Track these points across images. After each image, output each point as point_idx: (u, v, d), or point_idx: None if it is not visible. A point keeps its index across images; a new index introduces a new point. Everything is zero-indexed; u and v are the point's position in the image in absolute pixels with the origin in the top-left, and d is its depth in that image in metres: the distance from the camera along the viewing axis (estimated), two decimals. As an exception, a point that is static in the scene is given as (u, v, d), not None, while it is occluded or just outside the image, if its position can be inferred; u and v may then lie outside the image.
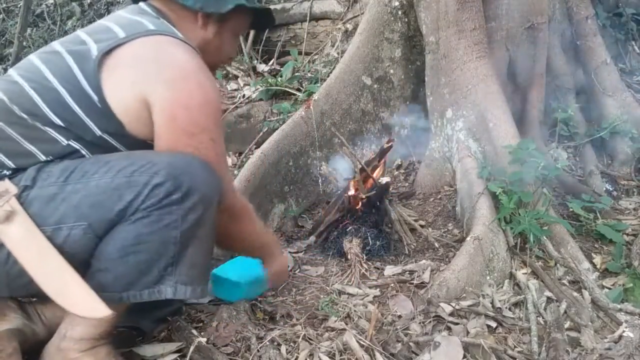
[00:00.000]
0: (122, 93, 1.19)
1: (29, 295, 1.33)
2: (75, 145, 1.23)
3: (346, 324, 1.57)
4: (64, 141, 1.22)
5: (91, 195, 1.14)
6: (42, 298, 1.43)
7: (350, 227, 2.11)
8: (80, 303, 1.11)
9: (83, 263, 1.16)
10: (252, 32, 3.92)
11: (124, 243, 1.14)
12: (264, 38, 4.01)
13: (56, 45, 1.28)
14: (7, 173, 1.19)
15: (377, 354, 1.41)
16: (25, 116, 1.20)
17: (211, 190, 1.22)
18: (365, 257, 1.99)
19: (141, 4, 1.38)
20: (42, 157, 1.21)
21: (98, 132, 1.22)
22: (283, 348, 1.42)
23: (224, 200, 1.30)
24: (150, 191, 1.13)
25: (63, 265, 1.12)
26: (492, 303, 1.73)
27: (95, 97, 1.19)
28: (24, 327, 1.28)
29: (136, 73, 1.19)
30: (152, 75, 1.19)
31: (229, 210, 1.36)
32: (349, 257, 2.00)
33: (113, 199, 1.14)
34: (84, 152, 1.25)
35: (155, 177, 1.14)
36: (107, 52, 1.19)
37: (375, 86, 2.80)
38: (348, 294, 1.78)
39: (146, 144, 1.26)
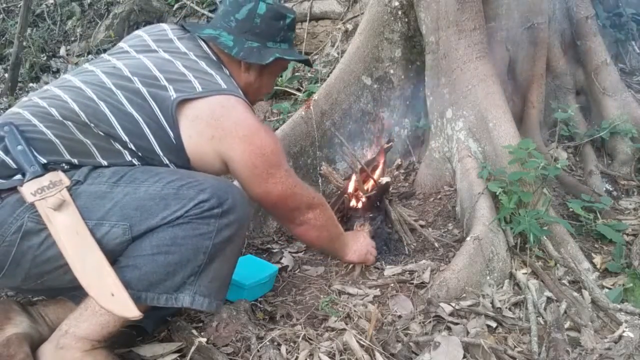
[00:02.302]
0: (200, 143, 1.34)
1: (36, 289, 1.35)
2: (137, 163, 1.33)
3: (346, 324, 1.57)
4: (128, 157, 1.32)
5: (139, 199, 1.22)
6: (44, 295, 1.45)
7: (360, 214, 2.12)
8: (113, 299, 1.15)
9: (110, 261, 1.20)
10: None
11: (159, 242, 1.21)
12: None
13: (124, 69, 1.36)
14: (66, 167, 1.26)
15: (377, 354, 1.42)
16: (100, 133, 1.28)
17: (246, 213, 1.33)
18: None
19: (200, 41, 1.51)
20: (104, 163, 1.30)
21: (165, 161, 1.36)
22: (283, 348, 1.42)
23: (301, 215, 1.56)
24: (195, 205, 1.22)
25: (102, 259, 1.17)
26: (492, 303, 1.73)
27: (171, 134, 1.32)
28: (30, 330, 1.29)
29: (215, 130, 1.34)
30: (228, 133, 1.34)
31: (307, 222, 1.59)
32: None
33: (159, 206, 1.21)
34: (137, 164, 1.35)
35: (201, 194, 1.23)
36: (185, 100, 1.31)
37: (375, 86, 2.80)
38: (348, 294, 1.79)
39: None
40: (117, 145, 1.30)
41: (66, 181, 1.21)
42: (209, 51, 1.50)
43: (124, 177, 1.25)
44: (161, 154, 1.34)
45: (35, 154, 1.22)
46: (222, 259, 1.29)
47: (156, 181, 1.24)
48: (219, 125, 1.34)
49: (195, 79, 1.36)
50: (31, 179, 1.18)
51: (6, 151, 1.21)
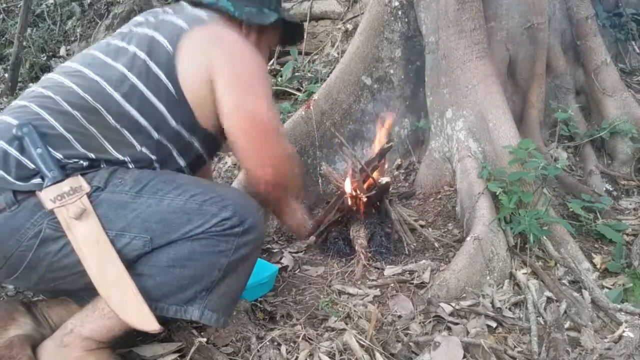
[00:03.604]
0: (192, 78, 1.29)
1: (47, 290, 1.34)
2: (147, 152, 1.30)
3: (346, 324, 1.57)
4: (138, 147, 1.28)
5: (161, 212, 1.20)
6: (49, 295, 1.44)
7: (357, 217, 2.13)
8: (132, 312, 1.14)
9: (128, 268, 1.19)
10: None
11: (177, 255, 1.19)
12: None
13: (118, 42, 1.33)
14: (84, 164, 1.23)
15: (377, 354, 1.42)
16: (109, 117, 1.25)
17: (263, 232, 1.32)
18: (370, 249, 2.03)
19: (197, 10, 1.47)
20: (120, 157, 1.27)
21: (173, 123, 1.31)
22: (283, 348, 1.42)
23: (269, 152, 1.36)
24: (217, 222, 1.20)
25: (122, 271, 1.15)
26: (492, 303, 1.73)
27: (172, 89, 1.28)
28: (33, 332, 1.28)
29: (201, 55, 1.29)
30: (214, 52, 1.29)
31: (272, 166, 1.37)
32: (354, 246, 2.03)
33: (182, 221, 1.20)
34: (155, 163, 1.33)
35: (224, 211, 1.21)
36: (178, 45, 1.29)
37: (375, 86, 2.80)
38: (348, 294, 1.79)
39: (213, 138, 1.40)
40: (126, 133, 1.26)
41: (86, 187, 1.18)
42: (204, 11, 1.45)
43: (147, 186, 1.22)
44: (168, 115, 1.29)
45: (53, 153, 1.19)
46: (235, 276, 1.28)
47: (179, 194, 1.22)
48: (204, 49, 1.30)
49: (182, 21, 1.34)
50: (51, 185, 1.15)
51: (21, 150, 1.18)
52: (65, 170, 1.19)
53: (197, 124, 1.34)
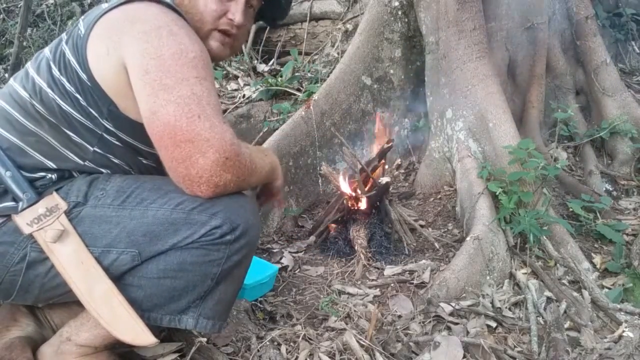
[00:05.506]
0: (102, 65, 1.12)
1: (48, 302, 1.32)
2: (100, 151, 1.20)
3: (346, 324, 1.57)
4: (90, 148, 1.19)
5: (147, 224, 1.13)
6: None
7: (357, 217, 2.13)
8: (126, 329, 1.11)
9: (116, 280, 1.15)
10: (251, 33, 3.92)
11: (167, 267, 1.14)
12: (264, 38, 4.02)
13: (62, 36, 1.24)
14: (53, 177, 1.16)
15: (377, 354, 1.42)
16: (53, 120, 1.17)
17: (257, 234, 1.23)
18: (370, 249, 2.03)
19: None
20: (80, 162, 1.19)
21: (100, 119, 1.16)
22: (283, 348, 1.42)
23: (228, 154, 1.08)
24: (207, 232, 1.13)
25: (111, 289, 1.11)
26: (492, 303, 1.73)
27: (84, 76, 1.14)
28: (34, 334, 1.27)
29: (109, 39, 1.11)
30: (122, 35, 1.10)
31: (237, 165, 1.13)
32: (354, 246, 2.03)
33: (168, 232, 1.13)
34: (113, 159, 1.22)
35: (213, 219, 1.13)
36: (92, 28, 1.15)
37: (375, 86, 2.80)
38: (348, 294, 1.79)
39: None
40: (72, 136, 1.17)
41: (63, 205, 1.11)
42: None
43: (130, 196, 1.15)
44: (92, 111, 1.16)
45: (24, 174, 1.12)
46: (230, 282, 1.23)
47: (165, 202, 1.14)
48: (112, 32, 1.11)
49: (107, 3, 1.17)
50: (26, 208, 1.10)
51: None
52: (36, 189, 1.13)
53: (122, 116, 1.17)
